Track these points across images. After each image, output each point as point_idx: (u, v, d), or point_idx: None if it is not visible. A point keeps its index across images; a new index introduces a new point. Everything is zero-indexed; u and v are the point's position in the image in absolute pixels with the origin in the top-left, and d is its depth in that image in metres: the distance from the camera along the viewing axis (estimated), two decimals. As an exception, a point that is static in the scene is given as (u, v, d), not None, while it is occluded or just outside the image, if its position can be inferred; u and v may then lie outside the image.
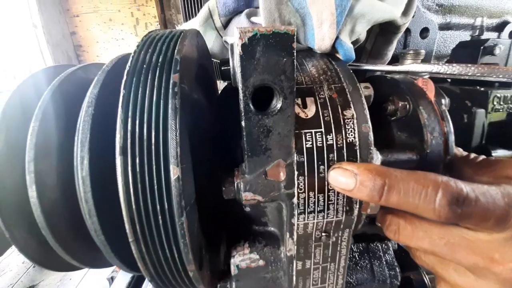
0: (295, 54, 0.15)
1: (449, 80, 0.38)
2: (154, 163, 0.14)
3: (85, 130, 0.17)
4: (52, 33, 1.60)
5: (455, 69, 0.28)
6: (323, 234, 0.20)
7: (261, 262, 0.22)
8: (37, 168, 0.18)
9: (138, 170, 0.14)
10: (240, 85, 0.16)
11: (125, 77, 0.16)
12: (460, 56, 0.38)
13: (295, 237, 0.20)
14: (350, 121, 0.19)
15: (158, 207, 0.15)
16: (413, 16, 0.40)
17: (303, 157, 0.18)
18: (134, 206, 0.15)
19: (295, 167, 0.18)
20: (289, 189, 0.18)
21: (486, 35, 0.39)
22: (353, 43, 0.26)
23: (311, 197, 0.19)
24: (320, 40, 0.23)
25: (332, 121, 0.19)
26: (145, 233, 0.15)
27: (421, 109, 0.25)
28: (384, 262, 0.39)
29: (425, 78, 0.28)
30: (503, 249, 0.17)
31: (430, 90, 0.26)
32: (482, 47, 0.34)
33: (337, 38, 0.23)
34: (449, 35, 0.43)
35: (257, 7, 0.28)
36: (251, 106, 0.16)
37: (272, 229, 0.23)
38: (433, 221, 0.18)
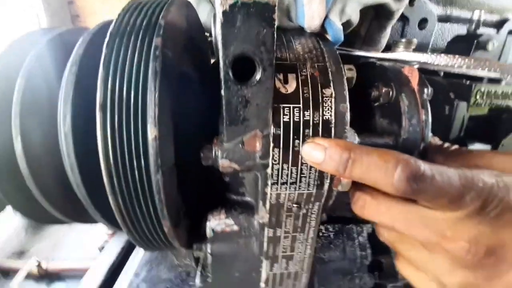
0: (275, 26, 0.15)
1: (440, 74, 0.38)
2: (132, 121, 0.15)
3: (69, 88, 0.18)
4: (50, 2, 1.54)
5: (443, 60, 0.28)
6: (294, 205, 0.22)
7: (236, 228, 0.23)
8: (23, 122, 0.19)
9: (116, 126, 0.15)
10: (220, 54, 0.16)
11: (108, 37, 0.16)
12: (453, 50, 0.38)
13: (267, 206, 0.21)
14: (329, 99, 0.20)
15: (135, 163, 0.15)
16: (412, 5, 0.40)
17: (280, 130, 0.19)
18: (112, 161, 0.15)
19: (271, 139, 0.19)
20: (264, 159, 0.19)
21: (483, 30, 0.39)
22: (344, 25, 0.26)
23: (285, 169, 0.20)
24: (310, 18, 0.23)
25: (311, 98, 0.20)
26: (122, 187, 0.16)
27: (403, 96, 0.25)
28: (357, 243, 0.42)
29: (412, 66, 0.28)
30: (455, 227, 0.18)
31: (414, 78, 0.26)
32: (475, 41, 0.34)
33: (326, 17, 0.24)
34: (447, 28, 0.43)
35: None
36: (231, 75, 0.17)
37: (249, 199, 0.24)
38: (395, 197, 0.19)
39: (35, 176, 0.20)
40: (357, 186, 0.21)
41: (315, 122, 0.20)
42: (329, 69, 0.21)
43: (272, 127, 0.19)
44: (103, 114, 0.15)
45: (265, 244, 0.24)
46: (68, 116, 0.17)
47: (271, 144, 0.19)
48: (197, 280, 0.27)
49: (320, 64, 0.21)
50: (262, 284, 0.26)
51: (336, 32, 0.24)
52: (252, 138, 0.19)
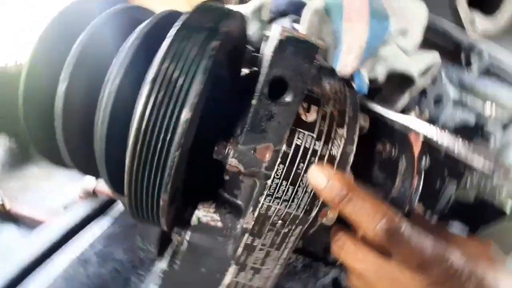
0: (314, 63, 0.18)
1: (442, 150, 0.41)
2: (173, 101, 0.17)
3: (127, 56, 0.20)
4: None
5: (446, 139, 0.31)
6: (280, 221, 0.23)
7: (219, 224, 0.25)
8: (74, 71, 0.21)
9: (158, 101, 0.17)
10: (264, 70, 0.19)
11: (179, 25, 0.19)
12: (460, 131, 0.41)
13: (256, 214, 0.23)
14: (339, 138, 0.22)
15: (162, 136, 0.17)
16: (434, 83, 0.44)
17: (290, 150, 0.21)
18: (143, 128, 0.17)
19: (280, 155, 0.21)
20: (268, 170, 0.21)
21: (491, 125, 0.43)
22: (371, 81, 0.29)
23: (283, 185, 0.22)
24: (343, 65, 0.26)
25: (325, 132, 0.22)
26: (142, 153, 0.18)
27: (403, 158, 0.28)
28: (320, 284, 0.43)
29: (418, 135, 0.31)
30: None
31: (417, 146, 0.29)
32: (480, 132, 0.38)
33: (357, 71, 0.27)
34: (459, 112, 0.47)
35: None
36: (266, 91, 0.19)
37: (240, 202, 0.26)
38: (373, 249, 0.21)
39: (65, 118, 0.21)
40: (341, 227, 0.23)
41: (322, 154, 0.22)
42: (347, 113, 0.23)
43: (284, 145, 0.21)
44: (151, 87, 0.17)
45: (240, 249, 0.25)
46: (118, 79, 0.19)
47: (279, 160, 0.21)
48: (164, 264, 0.28)
49: (341, 106, 0.24)
50: (222, 288, 0.27)
51: (362, 84, 0.27)
52: (264, 148, 0.21)
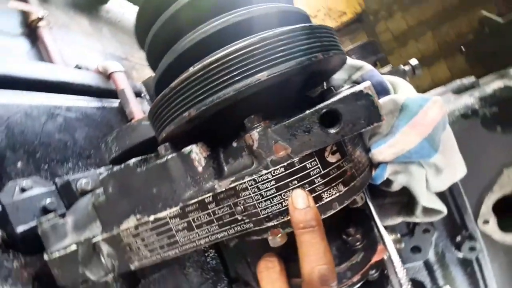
0: (366, 128, 0.21)
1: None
2: (262, 60, 0.20)
3: None
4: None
5: (400, 271, 0.33)
6: (242, 207, 0.25)
7: (200, 169, 0.26)
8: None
9: (257, 49, 0.20)
10: (331, 100, 0.22)
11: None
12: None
13: (232, 185, 0.25)
14: (335, 192, 0.24)
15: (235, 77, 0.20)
16: (426, 233, 0.46)
17: (297, 165, 0.24)
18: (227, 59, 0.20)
19: (288, 161, 0.23)
20: (271, 164, 0.24)
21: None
22: (386, 182, 0.31)
23: (270, 184, 0.24)
24: (378, 152, 0.29)
25: (330, 177, 0.24)
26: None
27: (361, 254, 0.30)
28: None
29: (385, 250, 0.33)
30: None
31: (377, 256, 0.30)
32: None
33: (385, 163, 0.29)
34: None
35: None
36: (323, 112, 0.22)
37: (226, 168, 0.27)
38: None
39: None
40: (283, 254, 0.25)
41: (315, 189, 0.24)
42: (355, 181, 0.26)
43: (298, 158, 0.23)
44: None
45: (195, 200, 0.26)
46: None
47: (285, 164, 0.23)
48: (133, 160, 0.29)
49: (355, 173, 0.26)
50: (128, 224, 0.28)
51: (380, 175, 0.30)
52: (283, 147, 0.24)
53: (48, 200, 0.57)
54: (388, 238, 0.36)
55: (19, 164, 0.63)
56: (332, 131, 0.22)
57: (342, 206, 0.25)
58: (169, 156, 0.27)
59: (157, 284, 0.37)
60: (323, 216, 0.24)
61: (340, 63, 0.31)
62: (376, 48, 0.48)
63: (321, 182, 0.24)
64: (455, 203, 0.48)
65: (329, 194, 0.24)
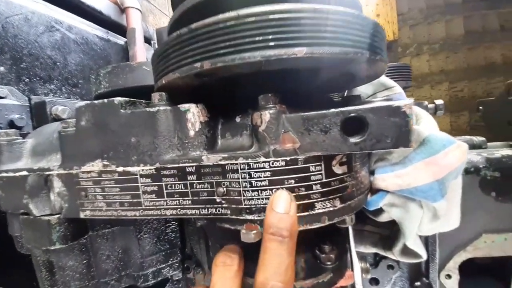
0: (390, 147, 0.18)
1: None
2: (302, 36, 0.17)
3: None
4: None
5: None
6: (224, 189, 0.22)
7: (192, 133, 0.23)
8: None
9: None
10: (360, 107, 0.19)
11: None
12: None
13: (222, 162, 0.22)
14: (330, 205, 0.22)
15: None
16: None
17: (300, 164, 0.21)
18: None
19: (292, 157, 0.21)
20: (273, 153, 0.21)
21: None
22: (379, 210, 0.29)
23: (263, 174, 0.21)
24: (382, 179, 0.27)
25: (330, 188, 0.22)
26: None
27: (328, 275, 0.28)
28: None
29: (351, 276, 0.31)
30: None
31: (344, 281, 0.29)
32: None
33: (384, 192, 0.27)
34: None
35: None
36: (349, 115, 0.19)
37: (220, 142, 0.24)
38: None
39: None
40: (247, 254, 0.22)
41: (312, 194, 0.21)
42: (353, 201, 0.24)
43: (303, 156, 0.21)
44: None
45: (173, 166, 0.23)
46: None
47: (287, 159, 0.21)
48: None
49: (355, 191, 0.24)
50: (91, 168, 0.24)
51: (374, 202, 0.27)
52: (292, 140, 0.21)
53: (17, 115, 0.52)
54: (358, 267, 0.35)
55: (1, 68, 0.56)
56: (352, 140, 0.19)
57: (330, 223, 0.23)
58: (162, 108, 0.23)
59: (104, 240, 0.34)
60: (308, 227, 0.22)
61: (375, 74, 0.28)
62: (408, 74, 0.45)
63: (319, 190, 0.21)
64: (426, 249, 0.47)
65: (323, 206, 0.22)
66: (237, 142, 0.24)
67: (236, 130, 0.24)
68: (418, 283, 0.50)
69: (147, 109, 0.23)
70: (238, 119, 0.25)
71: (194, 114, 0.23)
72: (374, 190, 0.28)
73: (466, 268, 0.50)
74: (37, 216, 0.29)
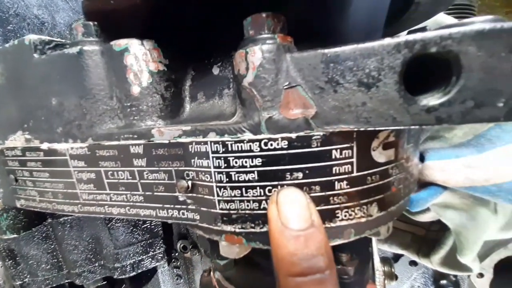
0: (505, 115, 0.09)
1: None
2: None
3: None
4: None
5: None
6: (183, 178, 0.13)
7: (136, 90, 0.14)
8: None
9: None
10: (451, 29, 0.09)
11: None
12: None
13: (178, 135, 0.13)
14: (362, 216, 0.13)
15: None
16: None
17: (316, 146, 0.12)
18: None
19: (301, 132, 0.11)
20: (267, 127, 0.12)
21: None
22: (424, 211, 0.21)
23: (250, 159, 0.12)
24: (440, 168, 0.18)
25: (366, 184, 0.13)
26: None
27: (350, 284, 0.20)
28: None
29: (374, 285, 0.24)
30: None
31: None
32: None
33: (440, 187, 0.18)
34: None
35: None
36: (412, 49, 0.09)
37: (196, 110, 0.15)
38: None
39: None
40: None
41: (331, 198, 0.12)
42: (396, 206, 0.15)
43: (323, 130, 0.11)
44: None
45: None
46: None
47: (293, 135, 0.11)
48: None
49: (402, 190, 0.15)
50: (14, 143, 0.16)
51: (421, 201, 0.19)
52: (302, 102, 0.11)
53: None
54: (381, 272, 0.27)
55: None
56: (424, 101, 0.10)
57: (357, 237, 0.14)
58: (87, 47, 0.14)
59: (68, 227, 0.28)
60: (339, 236, 0.13)
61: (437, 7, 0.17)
62: (472, 13, 0.32)
63: (344, 191, 0.12)
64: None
65: (348, 215, 0.13)
66: (214, 108, 0.15)
67: (213, 88, 0.15)
68: (444, 281, 0.43)
69: (66, 50, 0.14)
70: (216, 71, 0.15)
71: (137, 57, 0.13)
72: (421, 183, 0.19)
73: (501, 267, 0.42)
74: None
